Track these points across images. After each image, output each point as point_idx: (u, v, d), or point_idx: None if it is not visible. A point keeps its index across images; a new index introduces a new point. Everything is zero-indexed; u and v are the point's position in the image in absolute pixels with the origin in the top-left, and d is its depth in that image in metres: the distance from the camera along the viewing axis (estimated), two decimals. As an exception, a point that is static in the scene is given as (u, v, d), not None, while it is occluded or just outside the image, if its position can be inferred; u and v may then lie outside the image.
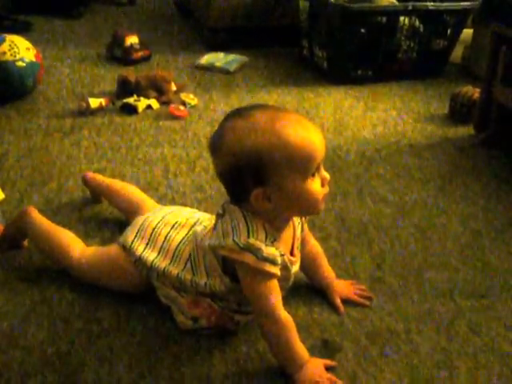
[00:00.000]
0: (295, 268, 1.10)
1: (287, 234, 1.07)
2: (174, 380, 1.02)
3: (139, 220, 1.23)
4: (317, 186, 0.98)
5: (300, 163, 0.94)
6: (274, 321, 1.00)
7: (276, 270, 1.00)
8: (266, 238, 0.99)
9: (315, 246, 1.24)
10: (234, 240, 0.97)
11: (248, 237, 0.97)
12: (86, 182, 1.51)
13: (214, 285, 1.07)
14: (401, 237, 1.45)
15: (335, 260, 1.34)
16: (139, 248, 1.17)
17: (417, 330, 1.16)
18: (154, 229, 1.19)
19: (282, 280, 1.05)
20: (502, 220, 1.55)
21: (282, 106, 1.05)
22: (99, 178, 1.51)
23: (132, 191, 1.44)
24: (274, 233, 1.01)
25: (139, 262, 1.16)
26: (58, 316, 1.16)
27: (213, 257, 1.05)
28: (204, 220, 1.17)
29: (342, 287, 1.24)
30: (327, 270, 1.25)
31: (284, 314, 1.01)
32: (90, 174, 1.52)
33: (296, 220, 1.10)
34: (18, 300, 1.19)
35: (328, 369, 1.04)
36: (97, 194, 1.52)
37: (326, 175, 1.00)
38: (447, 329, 1.16)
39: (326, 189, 1.00)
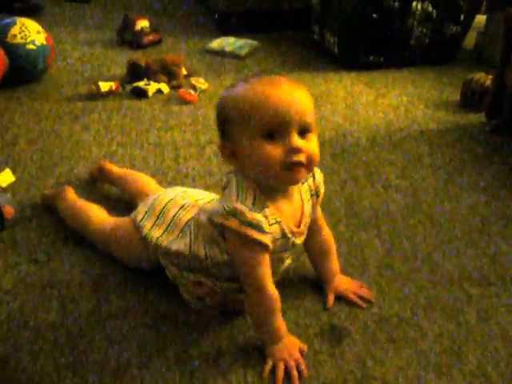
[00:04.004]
0: (299, 240, 1.07)
1: (291, 206, 1.04)
2: (182, 362, 1.03)
3: (151, 198, 1.25)
4: (272, 149, 0.92)
5: (250, 119, 0.93)
6: (259, 291, 1.00)
7: (263, 238, 0.96)
8: (254, 203, 0.97)
9: (328, 239, 1.20)
10: (222, 205, 0.97)
11: (236, 202, 0.96)
12: (102, 171, 1.52)
13: (215, 255, 1.04)
14: (410, 223, 1.45)
15: (344, 245, 1.34)
16: (147, 225, 1.18)
17: (425, 316, 1.16)
18: (163, 207, 1.19)
19: (279, 251, 1.03)
20: (513, 208, 1.54)
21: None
22: (115, 169, 1.52)
23: (146, 181, 1.45)
24: (266, 199, 0.99)
25: (146, 239, 1.17)
26: (68, 298, 1.17)
27: (211, 226, 1.02)
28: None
29: (340, 283, 1.20)
30: (332, 264, 1.21)
31: (270, 287, 1.00)
32: (108, 165, 1.53)
33: (305, 196, 1.07)
34: (28, 282, 1.21)
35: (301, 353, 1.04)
36: (99, 179, 1.54)
37: (295, 144, 0.92)
38: (455, 315, 1.16)
39: (297, 157, 0.93)
